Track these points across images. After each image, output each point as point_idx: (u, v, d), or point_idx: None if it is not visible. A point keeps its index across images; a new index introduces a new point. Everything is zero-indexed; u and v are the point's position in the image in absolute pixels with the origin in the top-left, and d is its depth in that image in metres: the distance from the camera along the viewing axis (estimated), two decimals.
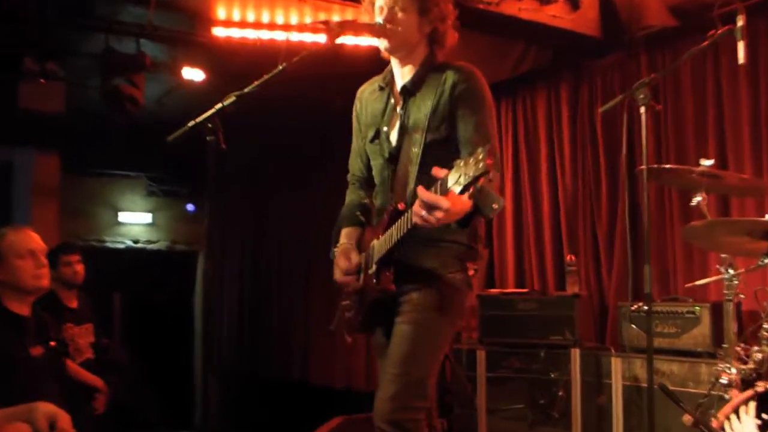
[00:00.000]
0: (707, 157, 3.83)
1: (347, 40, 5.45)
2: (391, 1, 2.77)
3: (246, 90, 2.63)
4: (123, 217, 11.46)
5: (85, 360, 5.27)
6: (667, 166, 3.90)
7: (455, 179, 2.17)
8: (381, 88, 2.96)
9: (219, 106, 2.61)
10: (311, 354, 9.23)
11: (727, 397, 3.56)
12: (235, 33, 5.80)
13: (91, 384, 5.03)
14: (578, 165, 6.22)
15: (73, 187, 9.84)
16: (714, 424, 3.23)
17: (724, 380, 3.60)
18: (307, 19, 5.69)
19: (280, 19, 5.79)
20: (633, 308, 4.79)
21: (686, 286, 4.68)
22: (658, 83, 5.31)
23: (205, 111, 2.64)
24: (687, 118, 5.48)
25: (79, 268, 5.45)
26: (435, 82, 2.77)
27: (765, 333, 3.56)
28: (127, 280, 10.54)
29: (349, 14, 5.27)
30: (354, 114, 3.08)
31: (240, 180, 10.52)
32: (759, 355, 3.53)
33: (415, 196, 2.36)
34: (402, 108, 2.83)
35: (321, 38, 2.75)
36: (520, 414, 5.51)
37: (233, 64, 6.08)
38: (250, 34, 5.81)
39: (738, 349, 3.71)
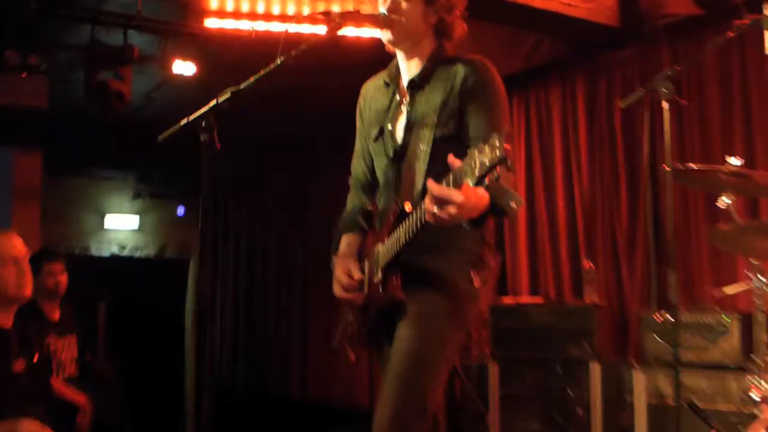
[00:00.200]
0: (734, 155, 3.83)
1: (348, 31, 5.46)
2: None
3: (242, 86, 2.63)
4: (109, 221, 11.48)
5: (68, 376, 5.28)
6: (692, 165, 3.89)
7: (469, 169, 2.12)
8: (386, 84, 2.95)
9: (213, 102, 2.61)
10: (310, 368, 9.23)
11: (758, 413, 3.56)
12: (229, 24, 5.82)
13: (74, 401, 5.03)
14: (596, 164, 6.22)
15: (55, 188, 9.85)
16: None
17: (755, 395, 3.59)
18: (306, 10, 5.70)
19: (276, 10, 5.80)
20: (657, 318, 4.78)
21: (714, 294, 4.67)
22: (682, 76, 5.30)
23: (197, 107, 2.64)
24: (712, 113, 5.48)
25: (62, 278, 5.45)
26: (444, 75, 2.76)
27: None
28: (113, 290, 10.54)
29: (350, 4, 5.29)
30: (357, 111, 3.07)
31: (235, 181, 10.54)
32: None
33: (423, 195, 2.33)
34: (409, 103, 2.83)
35: (321, 30, 2.75)
36: None
37: (227, 57, 6.11)
38: (245, 25, 5.82)
39: None
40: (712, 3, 5.36)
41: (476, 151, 2.11)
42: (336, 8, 5.37)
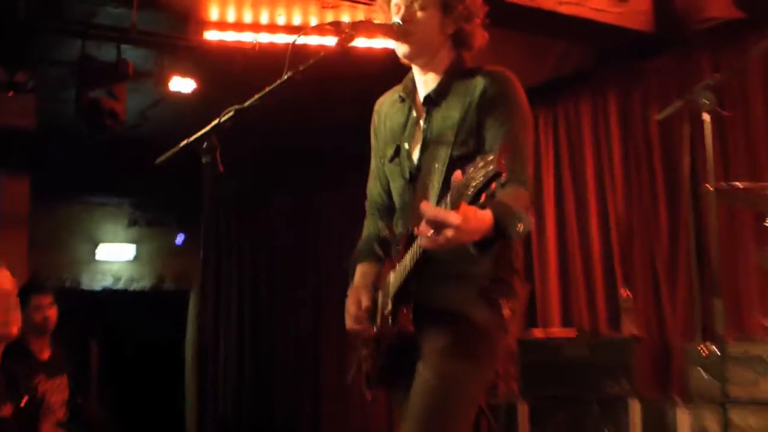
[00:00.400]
0: None
1: (360, 42, 5.50)
2: None
3: (246, 104, 2.64)
4: (102, 251, 11.51)
5: (58, 420, 5.28)
6: (738, 183, 3.89)
7: (463, 188, 2.14)
8: (402, 99, 2.95)
9: (215, 122, 2.62)
10: (322, 410, 9.21)
11: None
12: (231, 36, 5.87)
13: None
14: (632, 184, 6.21)
15: (44, 215, 9.90)
16: None
17: None
18: (313, 20, 5.73)
19: (281, 20, 5.85)
20: (702, 351, 4.75)
21: (764, 323, 4.65)
22: (723, 85, 5.30)
23: (197, 126, 2.65)
24: (758, 125, 5.47)
25: (51, 312, 5.46)
26: (463, 89, 2.76)
27: None
28: (107, 325, 10.56)
29: (360, 13, 5.32)
30: (372, 129, 3.08)
31: (237, 204, 10.57)
32: None
33: None
34: (425, 121, 2.84)
35: (329, 41, 2.77)
36: None
37: (228, 73, 6.15)
38: (248, 37, 5.87)
39: None
40: (755, 5, 5.36)
41: (471, 167, 2.13)
42: (346, 18, 5.44)
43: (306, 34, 5.20)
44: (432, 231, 2.25)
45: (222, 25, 5.85)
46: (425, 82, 2.87)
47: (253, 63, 5.70)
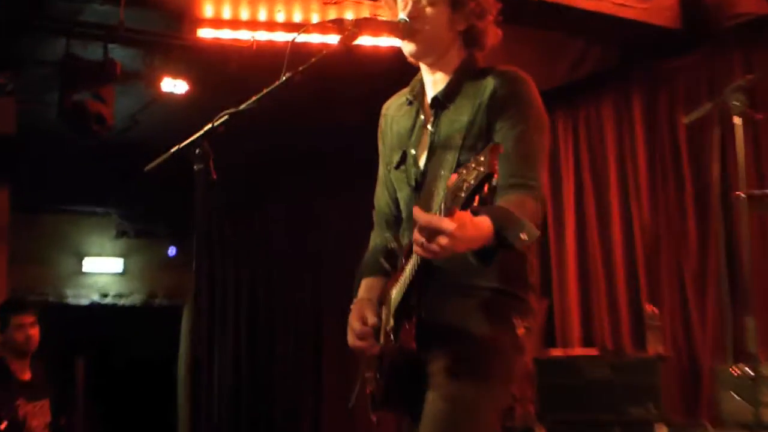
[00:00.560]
0: None
1: (365, 41, 5.51)
2: None
3: (242, 107, 2.64)
4: (88, 264, 11.53)
5: None
6: None
7: (456, 192, 2.14)
8: (409, 102, 2.94)
9: (208, 126, 2.62)
10: (323, 428, 9.20)
11: None
12: (226, 34, 5.88)
13: None
14: (658, 192, 6.20)
15: (26, 226, 9.93)
16: None
17: None
18: (315, 17, 5.75)
19: (280, 17, 5.86)
20: (733, 372, 4.74)
21: None
22: (756, 86, 5.29)
23: (189, 130, 2.65)
24: None
25: (33, 332, 5.47)
26: (473, 91, 2.76)
27: None
28: (94, 343, 10.58)
29: (365, 10, 5.32)
30: (379, 135, 3.07)
31: (233, 216, 10.58)
32: None
33: None
34: (433, 125, 2.83)
35: (332, 40, 2.77)
36: None
37: (223, 73, 6.16)
38: (244, 35, 5.88)
39: None
40: None
41: (464, 169, 2.14)
42: (350, 15, 5.45)
43: (307, 31, 5.19)
44: (423, 239, 2.26)
45: (217, 23, 5.86)
46: (434, 83, 2.86)
47: (251, 63, 5.71)
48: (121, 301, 11.77)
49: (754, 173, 5.48)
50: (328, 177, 9.08)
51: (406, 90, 3.00)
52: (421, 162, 2.83)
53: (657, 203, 6.21)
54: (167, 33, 6.09)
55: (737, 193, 3.51)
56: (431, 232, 2.23)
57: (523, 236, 2.35)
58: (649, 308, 5.82)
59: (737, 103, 3.34)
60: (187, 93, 6.48)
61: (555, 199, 6.81)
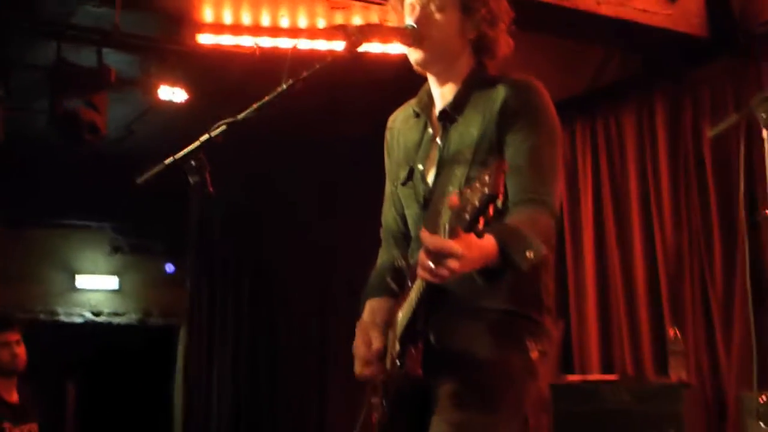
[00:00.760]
0: None
1: (372, 47, 5.51)
2: None
3: (240, 116, 2.65)
4: (81, 281, 11.54)
5: None
6: None
7: (460, 213, 2.15)
8: (416, 114, 2.94)
9: (205, 137, 2.62)
10: None
11: None
12: (227, 40, 5.89)
13: None
14: (681, 208, 6.19)
15: (14, 241, 9.97)
16: None
17: None
18: (321, 22, 5.75)
19: (285, 22, 5.87)
20: (761, 400, 4.72)
21: None
22: None
23: (188, 141, 2.66)
24: None
25: (20, 350, 5.48)
26: (483, 102, 2.75)
27: None
28: (86, 365, 10.58)
29: (374, 15, 5.32)
30: (385, 149, 3.07)
31: (232, 231, 10.58)
32: None
33: None
34: (441, 138, 2.83)
35: (338, 46, 2.76)
36: None
37: (224, 81, 6.18)
38: (247, 41, 5.89)
39: None
40: None
41: (468, 189, 2.14)
42: (357, 20, 5.45)
43: (311, 37, 5.23)
44: (430, 262, 2.26)
45: (217, 28, 5.88)
46: (442, 94, 2.86)
47: (253, 70, 5.71)
48: (116, 320, 11.77)
49: None
50: (334, 192, 9.09)
51: (412, 101, 2.99)
52: (430, 178, 2.83)
53: (680, 221, 6.19)
54: (165, 38, 6.10)
55: (764, 211, 3.50)
56: (438, 256, 2.24)
57: (529, 254, 2.36)
58: (671, 332, 5.80)
59: (765, 115, 3.32)
60: (186, 102, 6.48)
61: (572, 215, 6.80)
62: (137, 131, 7.92)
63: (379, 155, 3.11)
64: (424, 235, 2.26)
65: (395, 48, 5.47)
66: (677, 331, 5.78)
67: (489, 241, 2.32)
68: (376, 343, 2.79)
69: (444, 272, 2.25)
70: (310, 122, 6.88)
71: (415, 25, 2.75)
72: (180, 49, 6.08)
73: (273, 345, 10.33)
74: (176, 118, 6.65)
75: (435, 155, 2.83)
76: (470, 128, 2.74)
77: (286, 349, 10.10)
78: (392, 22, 2.89)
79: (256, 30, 5.91)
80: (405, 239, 3.03)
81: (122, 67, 6.28)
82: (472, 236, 2.21)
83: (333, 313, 9.11)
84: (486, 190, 2.09)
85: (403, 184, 2.92)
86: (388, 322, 2.84)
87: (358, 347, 2.84)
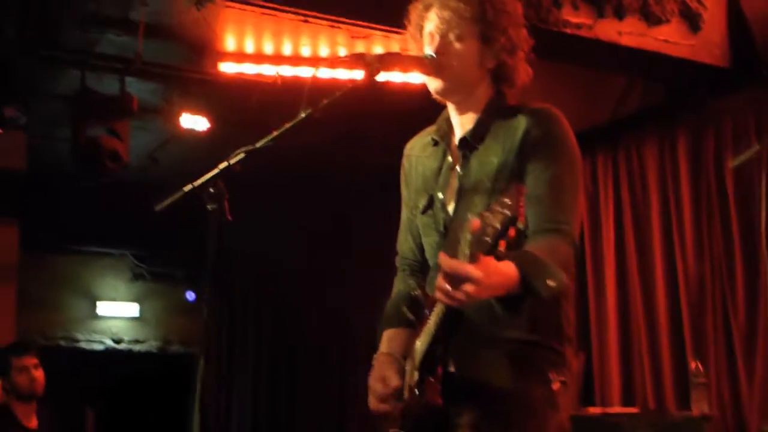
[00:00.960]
0: None
1: (392, 77, 5.52)
2: (444, 27, 2.74)
3: (258, 145, 2.65)
4: (102, 308, 11.57)
5: None
6: None
7: (481, 237, 2.16)
8: (435, 143, 2.94)
9: (224, 165, 2.63)
10: None
11: None
12: (249, 69, 5.91)
13: None
14: (703, 239, 6.16)
15: (36, 267, 9.99)
16: None
17: None
18: (342, 52, 5.77)
19: (306, 51, 5.89)
20: None
21: None
22: None
23: (209, 170, 2.66)
24: None
25: (38, 374, 5.49)
26: (504, 131, 2.75)
27: None
28: (105, 391, 10.59)
29: (395, 44, 5.34)
30: (402, 177, 3.07)
31: (251, 260, 10.58)
32: None
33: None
34: (462, 167, 2.82)
35: (358, 75, 2.77)
36: None
37: (246, 110, 6.19)
38: (269, 70, 5.91)
39: None
40: None
41: (489, 213, 2.15)
42: (378, 49, 5.48)
43: (332, 66, 5.24)
44: (448, 285, 2.26)
45: (239, 57, 5.91)
46: (461, 123, 2.85)
47: (275, 99, 5.72)
48: (136, 347, 11.79)
49: None
50: (351, 223, 9.09)
51: (431, 129, 2.98)
52: (450, 206, 2.82)
53: (702, 251, 6.17)
54: (187, 67, 6.13)
55: None
56: (456, 280, 2.23)
57: (551, 283, 2.36)
58: (693, 364, 5.75)
59: None
60: (208, 130, 6.51)
61: (594, 245, 6.79)
62: (160, 159, 7.94)
63: (397, 185, 3.11)
64: (443, 257, 2.26)
65: (417, 78, 5.50)
66: (699, 364, 5.74)
67: (510, 268, 2.32)
68: (392, 380, 2.77)
69: (461, 296, 2.25)
70: (332, 153, 6.88)
71: (435, 55, 2.75)
72: (202, 78, 6.12)
73: (292, 373, 10.32)
74: (198, 146, 6.66)
75: (455, 183, 2.82)
76: (491, 157, 2.74)
77: (304, 378, 10.09)
78: (412, 51, 2.89)
79: (277, 59, 5.94)
80: (421, 268, 3.02)
81: (144, 95, 6.32)
82: (493, 262, 2.21)
83: (351, 342, 9.10)
84: (507, 212, 2.11)
85: (423, 212, 2.92)
86: (405, 354, 2.83)
87: (375, 383, 2.82)
